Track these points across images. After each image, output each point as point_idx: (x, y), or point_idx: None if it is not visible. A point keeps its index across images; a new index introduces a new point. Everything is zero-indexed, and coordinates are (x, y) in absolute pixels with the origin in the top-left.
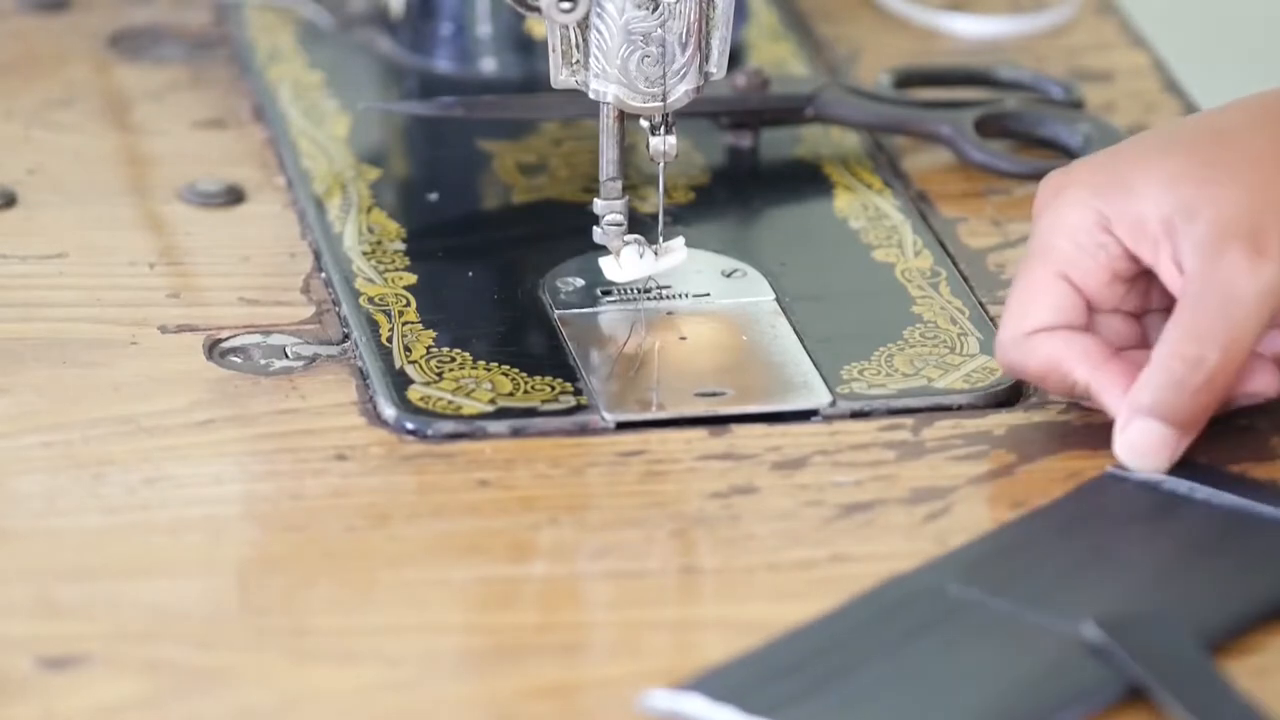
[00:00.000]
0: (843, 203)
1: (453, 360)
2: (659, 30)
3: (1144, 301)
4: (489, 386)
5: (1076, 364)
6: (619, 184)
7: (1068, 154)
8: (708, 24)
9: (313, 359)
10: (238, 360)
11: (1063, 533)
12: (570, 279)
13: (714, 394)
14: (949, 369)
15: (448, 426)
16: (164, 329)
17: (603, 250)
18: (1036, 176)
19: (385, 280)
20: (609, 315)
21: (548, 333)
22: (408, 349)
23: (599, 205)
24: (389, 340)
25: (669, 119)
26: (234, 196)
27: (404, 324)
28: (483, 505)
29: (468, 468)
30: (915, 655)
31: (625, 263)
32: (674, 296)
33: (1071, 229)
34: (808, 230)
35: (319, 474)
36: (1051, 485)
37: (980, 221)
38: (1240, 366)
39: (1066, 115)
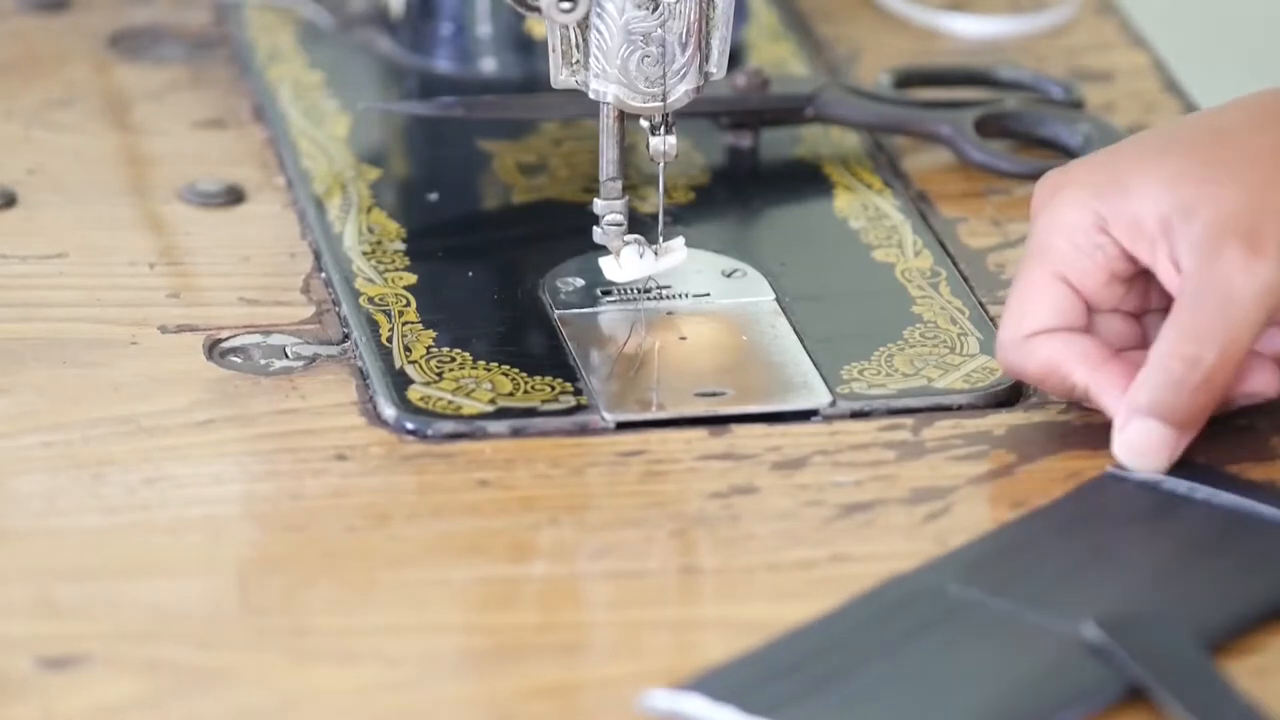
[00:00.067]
0: (843, 203)
1: (453, 360)
2: (659, 30)
3: (1144, 301)
4: (489, 386)
5: (1075, 366)
6: (619, 184)
7: (1068, 154)
8: (708, 24)
9: (313, 359)
10: (238, 360)
11: (1063, 533)
12: (570, 279)
13: (714, 394)
14: (949, 369)
15: (448, 426)
16: (164, 329)
17: (603, 250)
18: (1036, 176)
19: (385, 280)
20: (609, 315)
21: (548, 333)
22: (408, 349)
23: (599, 205)
24: (389, 340)
25: (669, 119)
26: (234, 196)
27: (404, 324)
28: (483, 505)
29: (468, 468)
30: (915, 655)
31: (625, 263)
32: (674, 296)
33: (1069, 229)
34: (808, 230)
35: (319, 474)
36: (1051, 485)
37: (980, 221)
38: (1238, 365)
39: (1066, 115)
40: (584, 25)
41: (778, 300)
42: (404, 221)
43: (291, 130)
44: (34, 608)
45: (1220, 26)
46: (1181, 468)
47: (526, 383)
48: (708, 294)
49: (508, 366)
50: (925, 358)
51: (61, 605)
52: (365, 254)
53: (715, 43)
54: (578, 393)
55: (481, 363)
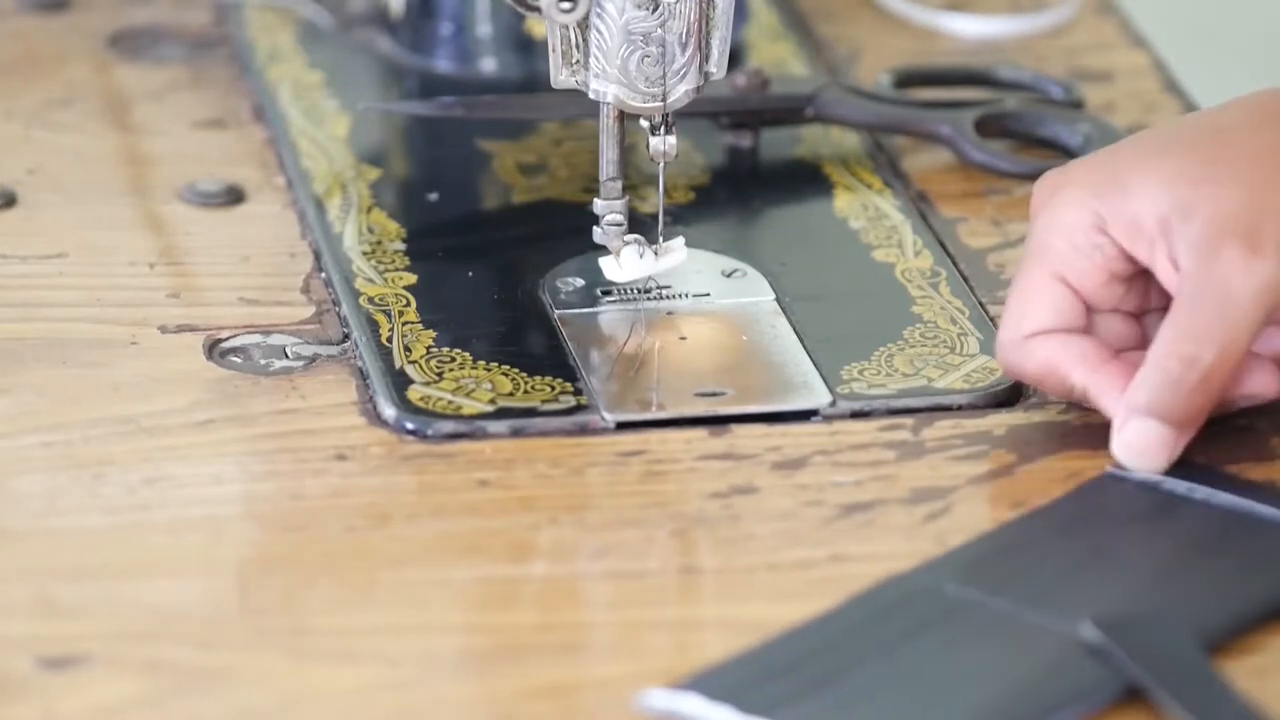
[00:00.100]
0: (843, 203)
1: (453, 360)
2: (659, 30)
3: (1143, 301)
4: (489, 386)
5: (1074, 367)
6: (619, 184)
7: (1068, 154)
8: (708, 24)
9: (313, 359)
10: (238, 360)
11: (1062, 533)
12: (570, 279)
13: (714, 394)
14: (949, 369)
15: (448, 426)
16: (164, 329)
17: (603, 250)
18: (1036, 176)
19: (385, 280)
20: (609, 315)
21: (548, 333)
22: (408, 349)
23: (599, 205)
24: (389, 340)
25: (669, 119)
26: (234, 196)
27: (404, 324)
28: (483, 505)
29: (468, 468)
30: (913, 655)
31: (625, 263)
32: (674, 296)
33: (1067, 229)
34: (808, 230)
35: (319, 474)
36: (1051, 485)
37: (980, 221)
38: (1236, 365)
39: (1066, 115)
40: (584, 25)
41: (778, 300)
42: (404, 221)
43: (291, 130)
44: (34, 608)
45: (1220, 26)
46: (1181, 468)
47: (526, 383)
48: (708, 294)
49: (508, 366)
50: (925, 358)
51: (61, 605)
52: (365, 254)
53: (715, 43)
54: (578, 393)
55: (481, 363)
